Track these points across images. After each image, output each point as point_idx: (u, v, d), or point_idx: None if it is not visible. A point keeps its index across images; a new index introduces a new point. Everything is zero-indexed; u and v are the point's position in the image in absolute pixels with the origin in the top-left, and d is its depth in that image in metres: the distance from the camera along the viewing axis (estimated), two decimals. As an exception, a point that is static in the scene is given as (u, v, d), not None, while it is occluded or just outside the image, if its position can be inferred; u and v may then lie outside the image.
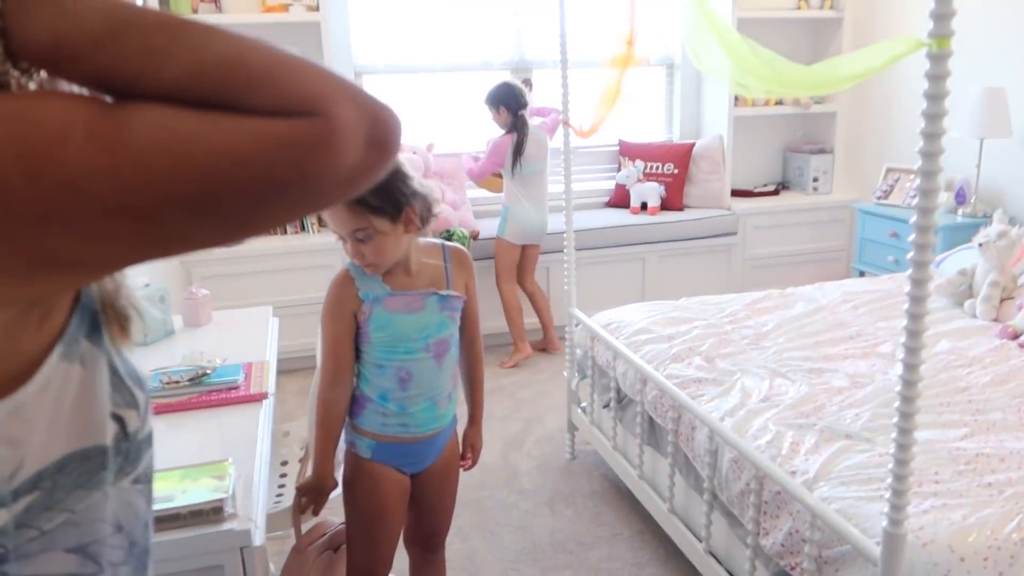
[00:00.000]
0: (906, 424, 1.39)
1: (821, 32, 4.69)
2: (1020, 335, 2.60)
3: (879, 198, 4.16)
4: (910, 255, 1.33)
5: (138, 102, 0.47)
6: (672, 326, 2.72)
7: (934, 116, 1.28)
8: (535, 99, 4.13)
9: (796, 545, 1.72)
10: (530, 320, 4.09)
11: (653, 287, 4.37)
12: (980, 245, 2.86)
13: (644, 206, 4.44)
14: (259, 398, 1.78)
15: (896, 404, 1.40)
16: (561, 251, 3.13)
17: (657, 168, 4.51)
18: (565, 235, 2.99)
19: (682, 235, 4.36)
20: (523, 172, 3.75)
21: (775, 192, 4.74)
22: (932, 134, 1.28)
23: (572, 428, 3.06)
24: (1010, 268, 2.85)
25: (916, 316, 1.34)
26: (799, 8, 4.49)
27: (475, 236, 3.94)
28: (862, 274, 4.14)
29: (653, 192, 4.42)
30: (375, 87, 4.27)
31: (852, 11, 4.46)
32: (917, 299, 1.33)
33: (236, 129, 0.47)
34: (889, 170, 4.19)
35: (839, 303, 2.97)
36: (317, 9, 3.78)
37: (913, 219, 1.31)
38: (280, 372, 2.38)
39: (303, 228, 4.01)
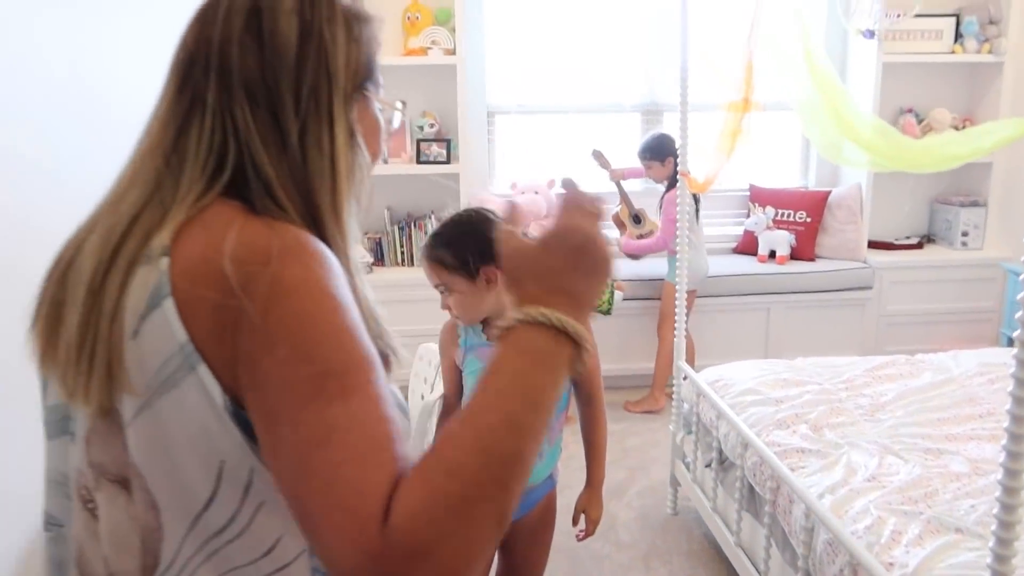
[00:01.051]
0: (1008, 516, 1.28)
1: (978, 78, 4.40)
2: None
3: (1036, 259, 3.82)
4: None
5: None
6: (782, 388, 2.62)
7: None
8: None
9: (888, 644, 1.62)
10: (648, 365, 4.04)
11: (777, 340, 4.21)
12: None
13: (772, 254, 4.30)
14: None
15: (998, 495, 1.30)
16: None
17: (789, 215, 4.35)
18: (677, 287, 2.95)
19: (811, 287, 4.18)
20: (697, 219, 3.74)
21: (918, 245, 4.46)
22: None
23: (675, 483, 3.00)
24: None
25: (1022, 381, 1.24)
26: (953, 52, 4.23)
27: (620, 288, 3.80)
28: (1010, 342, 3.81)
29: (782, 240, 4.27)
30: (506, 127, 4.40)
31: (1015, 56, 4.16)
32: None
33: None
34: (1050, 229, 3.85)
35: (974, 375, 2.75)
36: (454, 52, 3.94)
37: None
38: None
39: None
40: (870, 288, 4.24)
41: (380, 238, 4.17)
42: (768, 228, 4.32)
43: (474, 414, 0.64)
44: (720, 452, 2.55)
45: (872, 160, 1.48)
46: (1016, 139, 1.17)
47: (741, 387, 2.66)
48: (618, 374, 4.04)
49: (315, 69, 0.74)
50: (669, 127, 4.23)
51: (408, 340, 3.72)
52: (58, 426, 0.78)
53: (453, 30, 3.95)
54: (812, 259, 4.32)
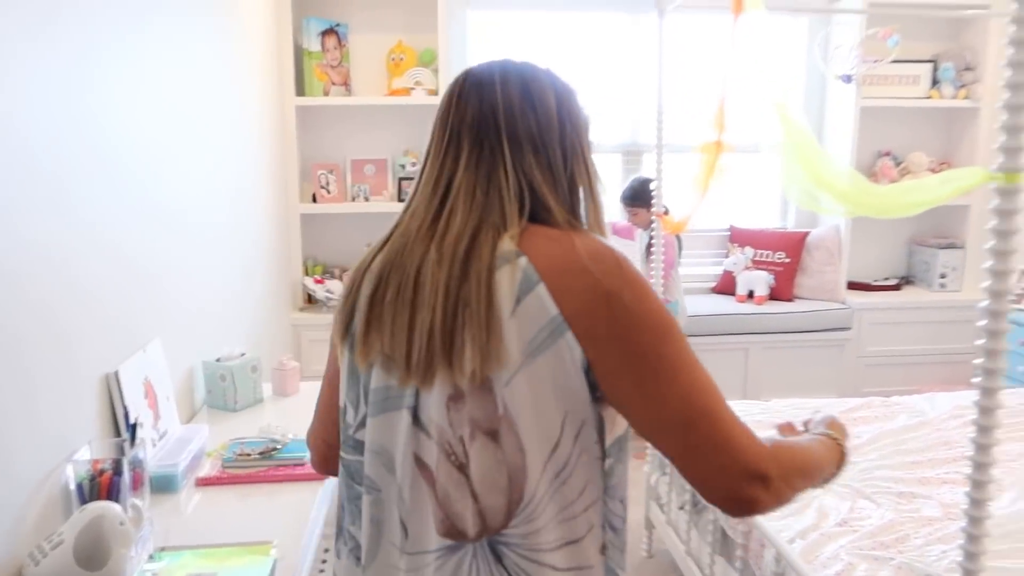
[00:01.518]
0: (970, 565, 1.27)
1: (955, 122, 4.48)
2: None
3: (1012, 301, 3.85)
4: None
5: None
6: (757, 431, 2.59)
7: (1003, 253, 1.20)
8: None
9: None
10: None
11: (756, 380, 4.21)
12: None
13: (751, 294, 4.32)
14: (321, 476, 1.84)
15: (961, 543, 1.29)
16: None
17: (768, 256, 4.38)
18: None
19: (790, 327, 4.19)
20: (679, 261, 3.76)
21: (896, 287, 4.49)
22: (1000, 272, 1.20)
23: (649, 525, 2.97)
24: None
25: (985, 429, 1.25)
26: (930, 97, 4.31)
27: None
28: (989, 383, 3.82)
29: (761, 280, 4.29)
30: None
31: (990, 101, 4.23)
32: (986, 411, 1.25)
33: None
34: None
35: (948, 417, 2.75)
36: (436, 93, 3.98)
37: None
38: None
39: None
40: (848, 329, 4.26)
41: (360, 275, 4.16)
42: (747, 268, 4.35)
43: (806, 451, 1.07)
44: (694, 494, 2.53)
45: (846, 209, 1.49)
46: (974, 188, 1.18)
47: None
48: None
49: (572, 126, 1.03)
50: (648, 168, 4.27)
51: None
52: (382, 405, 1.00)
53: (436, 71, 3.99)
54: (791, 299, 4.34)
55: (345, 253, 4.23)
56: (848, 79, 4.06)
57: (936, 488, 2.25)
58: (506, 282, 0.92)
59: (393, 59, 4.02)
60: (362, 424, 1.04)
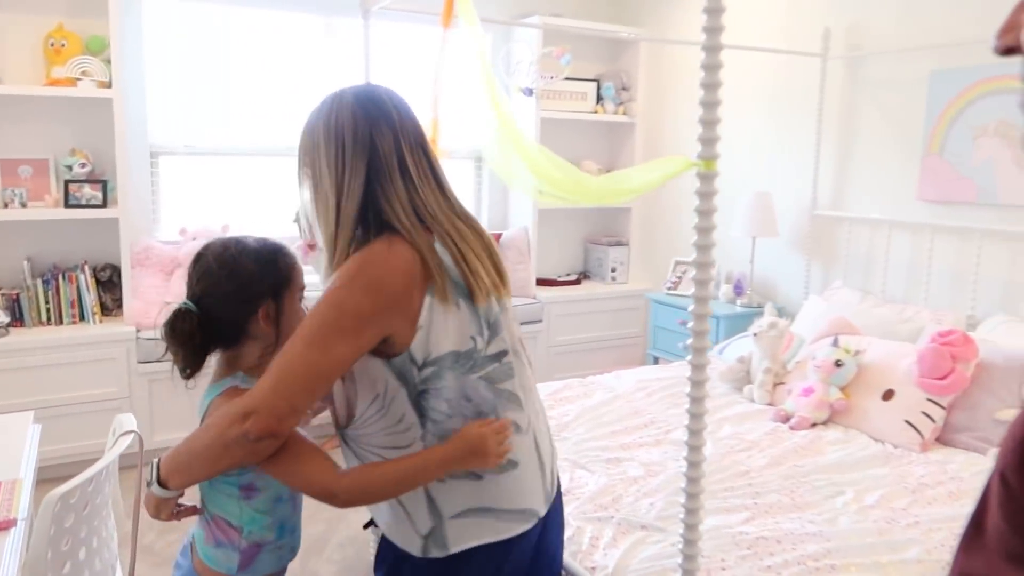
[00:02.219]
0: (691, 519, 1.46)
1: (616, 135, 5.08)
2: (790, 417, 2.85)
3: (669, 288, 4.48)
4: (689, 341, 1.43)
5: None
6: (478, 419, 2.72)
7: (705, 229, 1.39)
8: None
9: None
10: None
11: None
12: (755, 335, 3.13)
13: (453, 294, 4.49)
14: (4, 526, 1.55)
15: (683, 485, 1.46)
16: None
17: (466, 257, 4.58)
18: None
19: (490, 323, 4.42)
20: None
21: (577, 281, 4.97)
22: (703, 246, 1.39)
23: (377, 528, 2.94)
24: (780, 355, 3.13)
25: (696, 400, 1.43)
26: (596, 112, 4.84)
27: None
28: (656, 360, 4.40)
29: (462, 281, 4.48)
30: (172, 168, 4.07)
31: (643, 118, 4.88)
32: (697, 383, 1.43)
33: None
34: (677, 263, 4.54)
35: (634, 391, 3.11)
36: (109, 86, 3.56)
37: (691, 307, 1.41)
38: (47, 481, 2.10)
39: (82, 318, 3.65)
40: (540, 321, 4.62)
41: (18, 294, 3.57)
42: (448, 269, 4.51)
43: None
44: (424, 488, 2.56)
45: (563, 197, 1.62)
46: (679, 173, 1.36)
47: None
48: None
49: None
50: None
51: (59, 411, 3.29)
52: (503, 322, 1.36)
53: (108, 61, 3.57)
54: (489, 297, 4.59)
55: (3, 269, 3.61)
56: (529, 92, 4.41)
57: (635, 451, 2.53)
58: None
59: (52, 44, 3.53)
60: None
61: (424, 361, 1.24)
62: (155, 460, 1.31)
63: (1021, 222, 3.13)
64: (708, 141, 1.35)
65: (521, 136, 1.81)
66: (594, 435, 2.66)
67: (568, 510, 2.09)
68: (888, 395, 2.76)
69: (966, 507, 2.19)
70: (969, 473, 2.42)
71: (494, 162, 1.97)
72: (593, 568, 1.84)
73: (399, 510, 1.31)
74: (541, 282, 4.83)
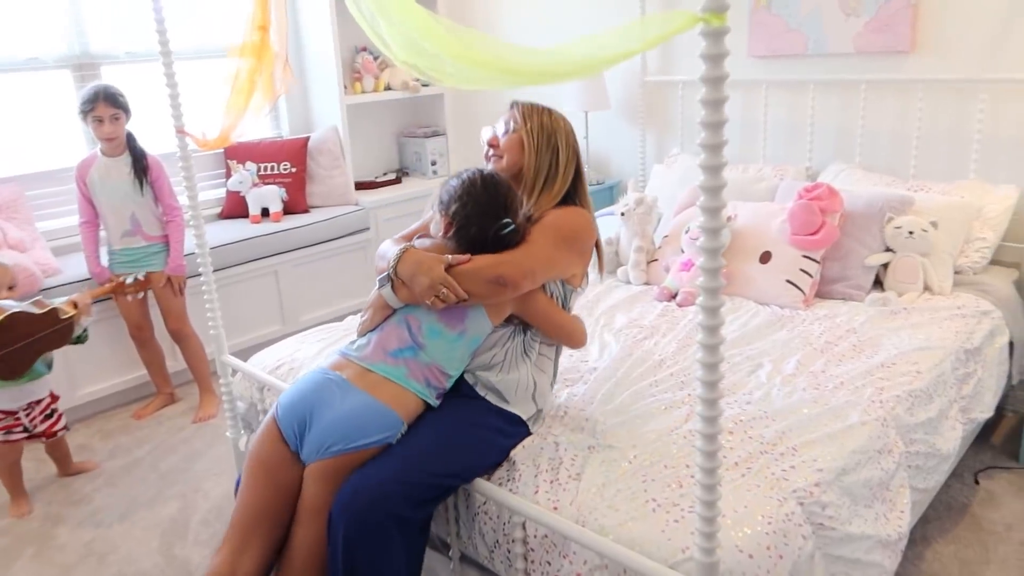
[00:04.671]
0: (708, 411, 1.26)
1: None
2: (675, 295, 2.76)
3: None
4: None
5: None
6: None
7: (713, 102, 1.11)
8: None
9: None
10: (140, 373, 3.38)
11: (292, 302, 3.91)
12: (622, 214, 2.98)
13: (266, 212, 3.94)
14: None
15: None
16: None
17: (273, 169, 4.01)
18: (200, 262, 2.42)
19: (314, 239, 3.95)
20: None
21: (397, 180, 4.56)
22: (713, 145, 1.12)
23: (251, 495, 2.54)
24: (649, 232, 3.02)
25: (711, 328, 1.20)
26: None
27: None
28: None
29: (273, 196, 3.93)
30: None
31: None
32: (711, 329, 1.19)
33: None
34: (507, 148, 4.27)
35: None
36: None
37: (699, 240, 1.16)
38: None
39: None
40: (367, 229, 4.20)
41: None
42: (255, 185, 3.93)
43: None
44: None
45: (498, 79, 1.26)
46: (682, 30, 1.05)
47: (311, 363, 2.31)
48: (113, 391, 3.37)
49: None
50: (113, 80, 3.46)
51: None
52: None
53: None
54: (307, 211, 4.09)
55: None
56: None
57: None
58: None
59: None
60: None
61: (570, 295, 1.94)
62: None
63: (850, 70, 3.18)
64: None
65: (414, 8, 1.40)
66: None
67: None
68: (765, 257, 2.74)
69: (873, 358, 2.22)
70: (858, 323, 2.46)
71: (381, 44, 1.55)
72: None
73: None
74: (360, 186, 4.38)
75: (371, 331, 1.79)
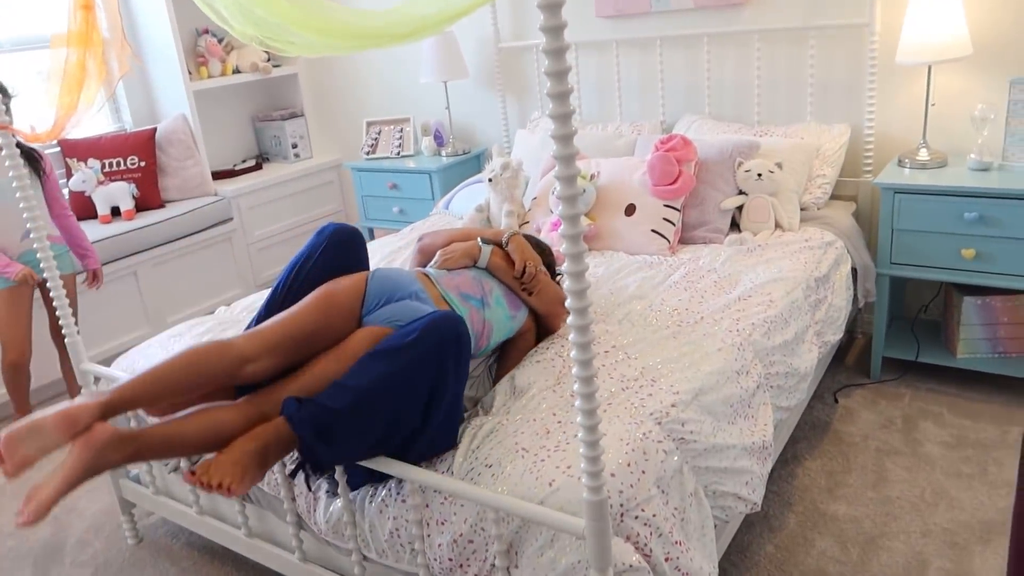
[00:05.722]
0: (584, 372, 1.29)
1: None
2: (547, 256, 2.81)
3: (368, 153, 4.14)
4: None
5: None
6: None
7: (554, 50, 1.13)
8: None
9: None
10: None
11: (156, 303, 3.73)
12: (490, 180, 3.00)
13: (116, 211, 3.71)
14: None
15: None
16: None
17: (119, 164, 3.78)
18: (45, 266, 2.26)
19: (172, 235, 3.76)
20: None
21: (257, 167, 4.40)
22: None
23: (128, 507, 2.42)
24: (518, 196, 3.05)
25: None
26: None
27: None
28: (372, 233, 4.12)
29: (123, 193, 3.71)
30: None
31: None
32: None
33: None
34: (370, 124, 4.19)
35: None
36: None
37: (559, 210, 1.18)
38: None
39: None
40: (231, 220, 4.04)
41: None
42: (101, 183, 3.69)
43: None
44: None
45: (327, 43, 1.22)
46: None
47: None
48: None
49: None
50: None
51: None
52: None
53: None
54: (162, 205, 3.88)
55: None
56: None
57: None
58: None
59: None
60: None
61: None
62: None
63: (692, 25, 3.30)
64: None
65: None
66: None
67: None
68: (630, 210, 2.83)
69: (731, 293, 2.34)
70: (718, 264, 2.59)
71: (209, 9, 1.48)
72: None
73: None
74: (218, 175, 4.20)
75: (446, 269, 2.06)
